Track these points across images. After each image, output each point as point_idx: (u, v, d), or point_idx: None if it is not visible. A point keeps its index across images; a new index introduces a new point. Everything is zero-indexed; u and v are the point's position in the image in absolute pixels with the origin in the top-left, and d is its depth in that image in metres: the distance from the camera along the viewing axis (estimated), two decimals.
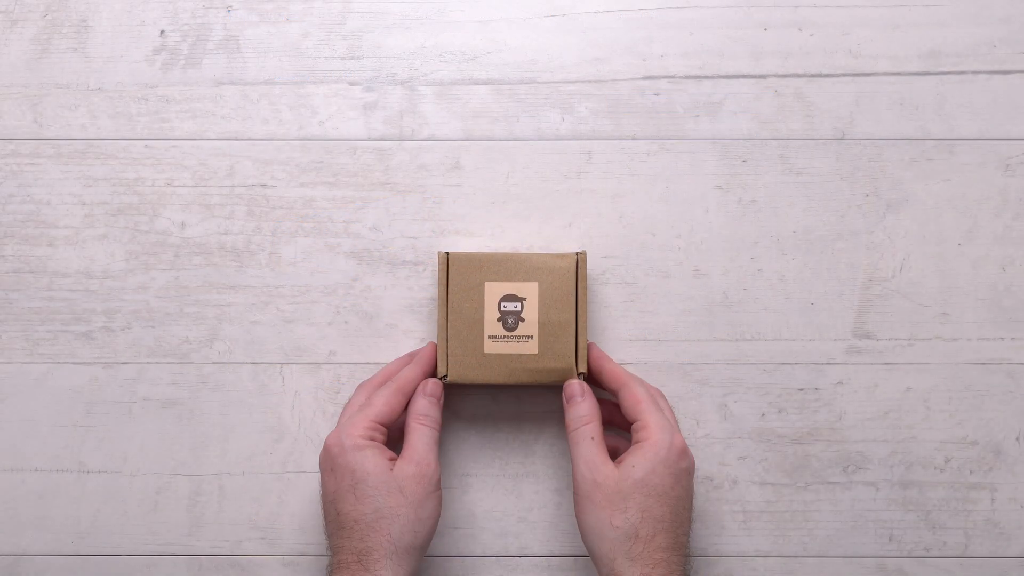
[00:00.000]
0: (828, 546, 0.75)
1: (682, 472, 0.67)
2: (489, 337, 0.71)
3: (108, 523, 0.76)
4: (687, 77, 0.79)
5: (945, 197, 0.78)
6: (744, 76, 0.79)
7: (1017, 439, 0.76)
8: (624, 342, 0.77)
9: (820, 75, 0.79)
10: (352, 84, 0.79)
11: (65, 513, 0.76)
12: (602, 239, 0.77)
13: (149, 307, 0.77)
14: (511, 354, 0.71)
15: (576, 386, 0.71)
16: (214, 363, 0.77)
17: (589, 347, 0.73)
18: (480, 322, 0.72)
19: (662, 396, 0.74)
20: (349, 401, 0.73)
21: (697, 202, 0.78)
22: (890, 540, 0.75)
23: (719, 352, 0.77)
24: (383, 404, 0.69)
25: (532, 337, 0.71)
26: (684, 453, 0.68)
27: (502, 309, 0.72)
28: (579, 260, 0.72)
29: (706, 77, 0.79)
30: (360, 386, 0.73)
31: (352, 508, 0.66)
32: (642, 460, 0.66)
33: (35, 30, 0.79)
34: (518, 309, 0.72)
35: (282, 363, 0.77)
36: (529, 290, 0.72)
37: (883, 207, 0.78)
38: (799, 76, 0.79)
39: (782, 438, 0.76)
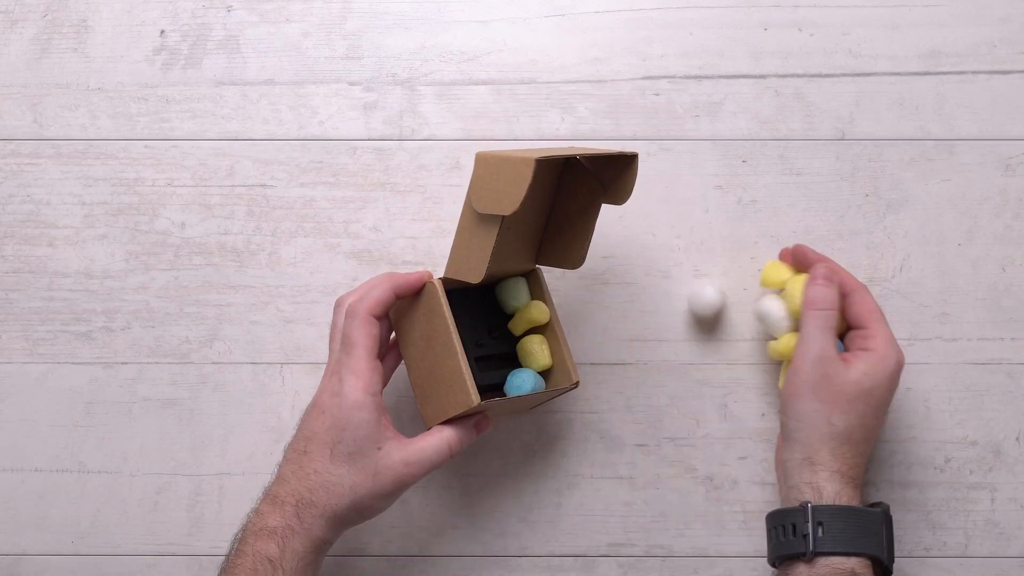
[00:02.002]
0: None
1: (894, 389, 0.69)
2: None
3: (108, 523, 0.76)
4: (687, 77, 0.79)
5: (945, 197, 0.78)
6: (744, 76, 0.79)
7: (1017, 439, 0.76)
8: (624, 342, 0.77)
9: (820, 75, 0.79)
10: (352, 84, 0.79)
11: (65, 513, 0.76)
12: (602, 239, 0.77)
13: (149, 307, 0.77)
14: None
15: (827, 270, 0.70)
16: (214, 363, 0.77)
17: (808, 251, 0.72)
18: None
19: None
20: (333, 323, 0.69)
21: (697, 202, 0.78)
22: None
23: (719, 352, 0.77)
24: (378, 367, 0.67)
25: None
26: (894, 378, 0.69)
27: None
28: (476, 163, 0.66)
29: (706, 77, 0.79)
30: (339, 303, 0.69)
31: (319, 461, 0.65)
32: (872, 370, 0.67)
33: (35, 30, 0.79)
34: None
35: (282, 363, 0.77)
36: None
37: (883, 207, 0.78)
38: (799, 76, 0.79)
39: None
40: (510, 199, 0.63)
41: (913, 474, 0.76)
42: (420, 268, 0.77)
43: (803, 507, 0.65)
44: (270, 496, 0.65)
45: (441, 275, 0.68)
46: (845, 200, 0.78)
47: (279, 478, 0.66)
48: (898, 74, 0.79)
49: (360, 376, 0.65)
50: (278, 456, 0.68)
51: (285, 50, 0.79)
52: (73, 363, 0.77)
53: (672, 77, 0.79)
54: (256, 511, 0.65)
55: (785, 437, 0.69)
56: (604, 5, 0.80)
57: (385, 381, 0.69)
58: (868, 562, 0.65)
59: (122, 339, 0.77)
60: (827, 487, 0.65)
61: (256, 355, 0.77)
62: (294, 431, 0.68)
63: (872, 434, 0.68)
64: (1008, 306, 0.77)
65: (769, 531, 0.69)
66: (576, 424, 0.76)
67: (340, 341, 0.67)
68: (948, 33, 0.79)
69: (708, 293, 0.75)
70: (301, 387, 0.76)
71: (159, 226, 0.78)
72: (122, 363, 0.77)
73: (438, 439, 0.66)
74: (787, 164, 0.78)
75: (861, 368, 0.67)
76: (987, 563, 0.75)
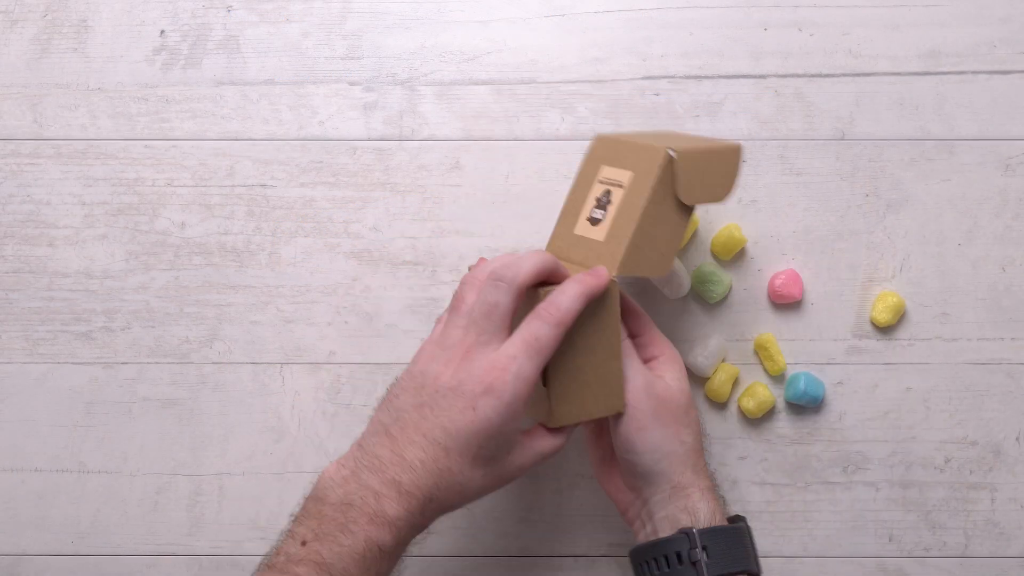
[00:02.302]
0: (828, 546, 0.75)
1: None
2: (586, 219, 0.65)
3: (108, 523, 0.76)
4: (687, 77, 0.79)
5: (945, 197, 0.78)
6: (744, 76, 0.79)
7: (1017, 439, 0.76)
8: (625, 342, 0.76)
9: (820, 75, 0.79)
10: (352, 84, 0.79)
11: (65, 513, 0.76)
12: None
13: (149, 307, 0.77)
14: (585, 237, 0.65)
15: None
16: (214, 363, 0.77)
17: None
18: (582, 202, 0.66)
19: None
20: (486, 300, 0.60)
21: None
22: (890, 540, 0.75)
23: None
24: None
25: (604, 223, 0.65)
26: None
27: (599, 192, 0.66)
28: (668, 160, 0.63)
29: (706, 77, 0.79)
30: (479, 269, 0.62)
31: (459, 461, 0.58)
32: (678, 373, 0.66)
33: (35, 30, 0.79)
34: (608, 194, 0.65)
35: (282, 363, 0.77)
36: (625, 178, 0.65)
37: (883, 207, 0.78)
38: (799, 76, 0.79)
39: (782, 438, 0.76)
40: (723, 188, 0.65)
41: (913, 474, 0.76)
42: (420, 268, 0.77)
43: (685, 533, 0.62)
44: (390, 479, 0.57)
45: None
46: (845, 200, 0.78)
47: (404, 461, 0.58)
48: (898, 74, 0.79)
49: (529, 378, 0.58)
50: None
51: (285, 50, 0.79)
52: (73, 363, 0.77)
53: (672, 77, 0.79)
54: (369, 488, 0.57)
55: (642, 477, 0.64)
56: (604, 5, 0.80)
57: None
58: None
59: (122, 339, 0.77)
60: (702, 508, 0.63)
61: (256, 355, 0.77)
62: (416, 397, 0.59)
63: (701, 435, 0.67)
64: (1008, 306, 0.77)
65: (639, 566, 0.64)
66: None
67: (487, 315, 0.59)
68: (948, 33, 0.79)
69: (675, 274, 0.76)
70: (301, 387, 0.76)
71: (159, 226, 0.78)
72: (122, 363, 0.77)
73: (547, 445, 0.63)
74: (787, 164, 0.78)
75: (671, 375, 0.66)
76: (987, 563, 0.75)
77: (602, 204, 0.65)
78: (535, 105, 0.79)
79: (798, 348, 0.77)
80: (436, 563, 0.75)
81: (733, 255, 0.76)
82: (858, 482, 0.76)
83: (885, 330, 0.77)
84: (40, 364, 0.77)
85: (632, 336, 0.67)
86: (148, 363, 0.77)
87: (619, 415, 0.64)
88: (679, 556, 0.62)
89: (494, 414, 0.58)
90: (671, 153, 0.63)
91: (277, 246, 0.78)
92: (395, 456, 0.58)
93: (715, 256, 0.77)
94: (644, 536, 0.65)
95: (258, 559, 0.59)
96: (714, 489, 0.65)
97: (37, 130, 0.79)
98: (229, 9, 0.80)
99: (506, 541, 0.75)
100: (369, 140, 0.78)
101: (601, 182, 0.66)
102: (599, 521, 0.75)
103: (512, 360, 0.58)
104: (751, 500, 0.75)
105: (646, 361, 0.66)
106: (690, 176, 0.64)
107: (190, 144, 0.79)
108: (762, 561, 0.73)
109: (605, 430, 0.69)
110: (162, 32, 0.80)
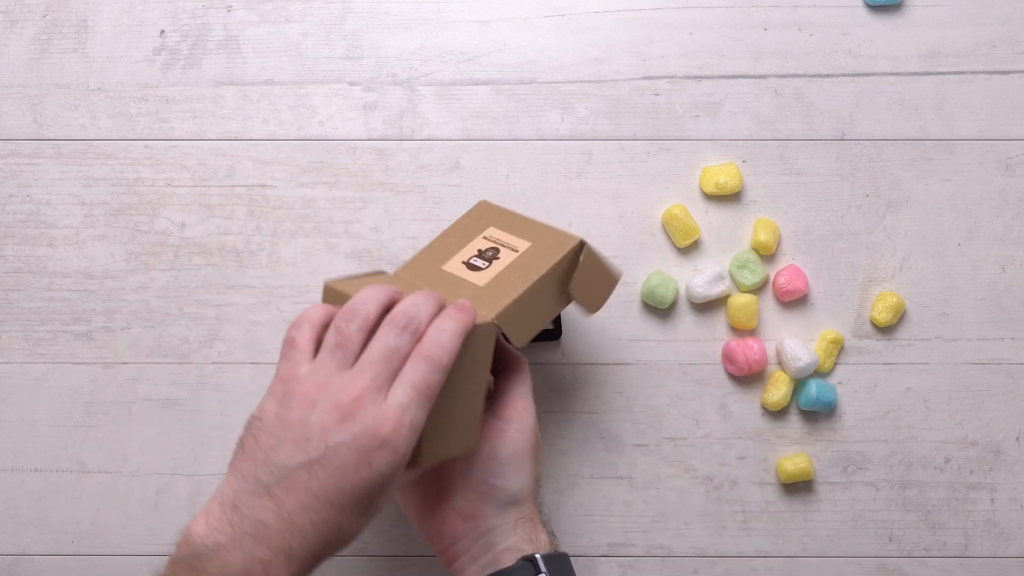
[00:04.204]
0: (828, 546, 0.75)
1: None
2: (462, 262, 0.66)
3: (108, 523, 0.76)
4: (687, 77, 0.79)
5: (945, 197, 0.78)
6: (744, 76, 0.79)
7: (1017, 439, 0.76)
8: (625, 342, 0.77)
9: (820, 75, 0.79)
10: (352, 84, 0.79)
11: (65, 513, 0.76)
12: (602, 239, 0.77)
13: (149, 307, 0.77)
14: (459, 277, 0.64)
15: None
16: (214, 363, 0.77)
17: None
18: (458, 247, 0.67)
19: None
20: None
21: (697, 202, 0.78)
22: (890, 540, 0.75)
23: (719, 352, 0.77)
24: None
25: (486, 273, 0.64)
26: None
27: (483, 246, 0.67)
28: (577, 248, 0.65)
29: (706, 77, 0.79)
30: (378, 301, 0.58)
31: (347, 522, 0.54)
32: (529, 415, 0.65)
33: (35, 30, 0.79)
34: (496, 251, 0.66)
35: None
36: (520, 245, 0.66)
37: (883, 207, 0.78)
38: (799, 76, 0.79)
39: (782, 438, 0.76)
40: (597, 301, 0.68)
41: (913, 474, 0.76)
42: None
43: (530, 560, 0.60)
44: (279, 545, 0.54)
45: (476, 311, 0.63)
46: (845, 200, 0.78)
47: (292, 525, 0.54)
48: (898, 74, 0.79)
49: (418, 432, 0.56)
50: (271, 412, 0.67)
51: (285, 50, 0.79)
52: (73, 363, 0.77)
53: (672, 77, 0.79)
54: (257, 558, 0.53)
55: (498, 504, 0.62)
56: (604, 5, 0.80)
57: None
58: None
59: (122, 339, 0.77)
60: (541, 537, 0.62)
61: (256, 355, 0.77)
62: (297, 446, 0.55)
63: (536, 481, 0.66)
64: (1008, 306, 0.77)
65: None
66: (576, 424, 0.76)
67: (387, 362, 0.56)
68: (948, 33, 0.79)
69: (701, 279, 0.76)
70: None
71: (159, 226, 0.78)
72: (122, 363, 0.77)
73: (404, 481, 0.65)
74: (787, 164, 0.78)
75: (525, 416, 0.64)
76: (987, 563, 0.75)
77: (486, 257, 0.66)
78: (535, 105, 0.79)
79: None
80: (436, 563, 0.75)
81: (766, 251, 0.76)
82: (858, 482, 0.76)
83: (885, 330, 0.77)
84: (40, 364, 0.77)
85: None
86: (148, 363, 0.77)
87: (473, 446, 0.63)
88: None
89: (388, 468, 0.54)
90: (585, 242, 0.65)
91: (277, 246, 0.78)
92: (282, 522, 0.53)
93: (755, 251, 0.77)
94: (478, 569, 0.62)
95: None
96: (547, 524, 0.65)
97: (37, 130, 0.79)
98: (229, 9, 0.80)
99: None
100: (369, 140, 0.78)
101: (487, 238, 0.67)
102: (599, 521, 0.75)
103: (406, 411, 0.55)
104: (751, 500, 0.76)
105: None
106: (585, 273, 0.66)
107: (190, 144, 0.78)
108: (762, 561, 0.73)
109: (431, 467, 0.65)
110: (162, 32, 0.80)
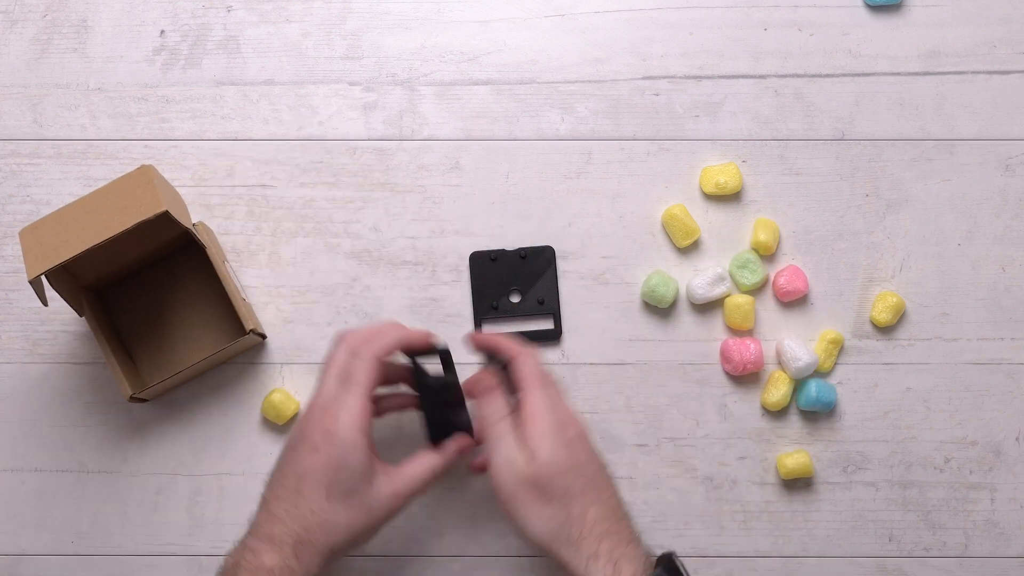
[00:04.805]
0: (828, 546, 0.75)
1: (573, 440, 0.65)
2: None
3: (108, 523, 0.75)
4: (687, 77, 0.79)
5: (945, 197, 0.78)
6: (744, 76, 0.79)
7: (1017, 439, 0.76)
8: (624, 342, 0.77)
9: (820, 75, 0.79)
10: (352, 84, 0.79)
11: (65, 513, 0.76)
12: (602, 239, 0.77)
13: None
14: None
15: (489, 377, 0.68)
16: None
17: (475, 335, 0.72)
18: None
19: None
20: (332, 358, 0.67)
21: (697, 202, 0.78)
22: (890, 540, 0.75)
23: (719, 352, 0.76)
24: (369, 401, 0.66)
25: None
26: (566, 422, 0.65)
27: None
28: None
29: (706, 77, 0.79)
30: (343, 339, 0.67)
31: (315, 500, 0.63)
32: (537, 442, 0.63)
33: (35, 30, 0.79)
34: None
35: (282, 363, 0.77)
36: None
37: (883, 207, 0.78)
38: (799, 76, 0.79)
39: (782, 438, 0.76)
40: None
41: (913, 474, 0.76)
42: (420, 268, 0.77)
43: None
44: (264, 534, 0.63)
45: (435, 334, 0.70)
46: (845, 200, 0.78)
47: (273, 517, 0.63)
48: (898, 74, 0.79)
49: (357, 416, 0.64)
50: (277, 456, 0.68)
51: (285, 50, 0.79)
52: (73, 363, 0.77)
53: (672, 77, 0.79)
54: (249, 548, 0.63)
55: (547, 551, 0.63)
56: (604, 5, 0.80)
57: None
58: None
59: None
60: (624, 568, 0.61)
61: (256, 355, 0.77)
62: (278, 464, 0.66)
63: (587, 497, 0.63)
64: (1008, 306, 0.77)
65: None
66: None
67: (339, 378, 0.65)
68: (948, 33, 0.79)
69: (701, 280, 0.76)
70: (301, 387, 0.76)
71: None
72: None
73: (423, 467, 0.66)
74: (787, 164, 0.78)
75: (529, 445, 0.64)
76: (987, 563, 0.75)
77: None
78: (535, 105, 0.79)
79: None
80: (436, 563, 0.75)
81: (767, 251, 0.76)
82: (858, 482, 0.76)
83: (885, 330, 0.77)
84: (40, 364, 0.77)
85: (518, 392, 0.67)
86: None
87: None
88: None
89: (333, 449, 0.63)
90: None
91: (277, 246, 0.78)
92: (267, 515, 0.64)
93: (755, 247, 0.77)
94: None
95: None
96: (618, 548, 0.62)
97: (37, 130, 0.79)
98: (229, 9, 0.80)
99: (506, 541, 0.75)
100: (369, 140, 0.78)
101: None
102: None
103: (335, 400, 0.65)
104: (751, 500, 0.75)
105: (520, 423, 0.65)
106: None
107: (190, 144, 0.78)
108: (762, 561, 0.73)
109: None
110: (162, 32, 0.80)
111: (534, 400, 0.65)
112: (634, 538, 0.63)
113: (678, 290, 0.76)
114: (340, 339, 0.67)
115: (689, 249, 0.77)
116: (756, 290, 0.76)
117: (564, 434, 0.64)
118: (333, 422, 0.64)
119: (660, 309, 0.77)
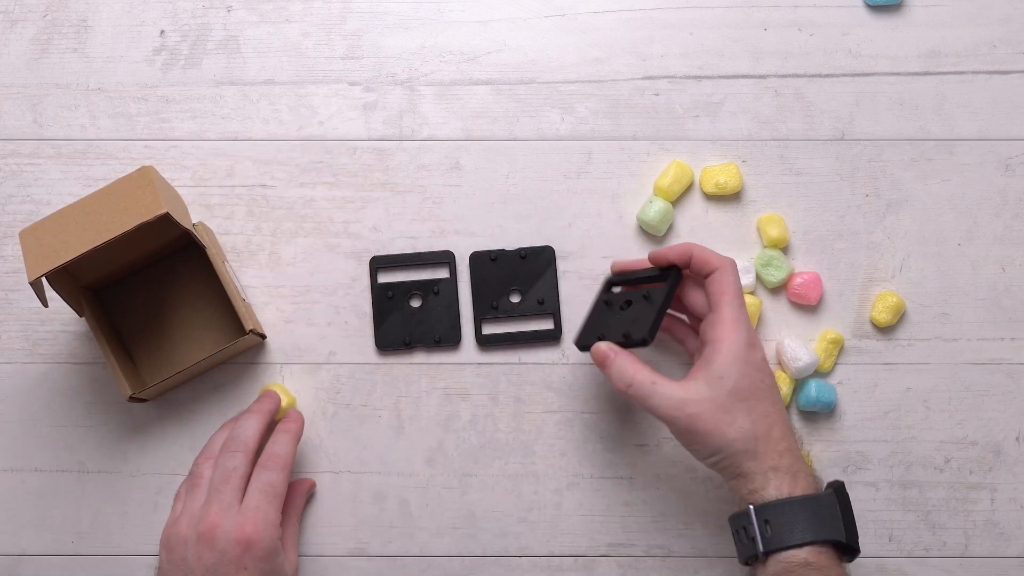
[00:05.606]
0: None
1: (763, 361, 0.66)
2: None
3: (108, 523, 0.75)
4: (687, 77, 0.79)
5: (945, 197, 0.78)
6: (744, 76, 0.79)
7: (1017, 439, 0.76)
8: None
9: (820, 75, 0.79)
10: (352, 84, 0.79)
11: (65, 513, 0.76)
12: (602, 239, 0.77)
13: None
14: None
15: (605, 348, 0.68)
16: None
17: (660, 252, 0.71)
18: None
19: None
20: (225, 464, 0.68)
21: (697, 202, 0.78)
22: (890, 540, 0.75)
23: None
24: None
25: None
26: (754, 343, 0.66)
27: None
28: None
29: (706, 77, 0.79)
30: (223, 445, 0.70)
31: None
32: (725, 366, 0.65)
33: (35, 30, 0.79)
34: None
35: (282, 363, 0.77)
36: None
37: (883, 207, 0.78)
38: (799, 76, 0.79)
39: None
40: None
41: (913, 474, 0.76)
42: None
43: (747, 510, 0.64)
44: None
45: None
46: (845, 200, 0.78)
47: None
48: (898, 74, 0.79)
49: (278, 529, 0.67)
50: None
51: (285, 50, 0.79)
52: (73, 363, 0.77)
53: (672, 77, 0.79)
54: None
55: (719, 469, 0.67)
56: (604, 5, 0.80)
57: None
58: (822, 548, 0.63)
59: None
60: (769, 487, 0.64)
61: (256, 355, 0.77)
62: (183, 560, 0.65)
63: (771, 417, 0.65)
64: (1008, 306, 0.77)
65: (733, 534, 0.67)
66: (576, 424, 0.76)
67: (264, 491, 0.66)
68: (948, 33, 0.79)
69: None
70: (301, 387, 0.76)
71: None
72: None
73: (295, 533, 0.73)
74: (787, 164, 0.78)
75: (716, 371, 0.65)
76: (987, 563, 0.75)
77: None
78: (535, 105, 0.79)
79: None
80: (436, 563, 0.75)
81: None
82: (858, 482, 0.76)
83: (885, 330, 0.77)
84: (40, 364, 0.77)
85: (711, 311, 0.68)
86: None
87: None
88: (746, 530, 0.65)
89: (262, 563, 0.65)
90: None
91: (277, 246, 0.78)
92: None
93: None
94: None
95: None
96: (789, 468, 0.65)
97: (37, 130, 0.79)
98: (229, 9, 0.80)
99: (506, 541, 0.75)
100: (369, 140, 0.78)
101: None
102: (599, 521, 0.75)
103: (257, 511, 0.65)
104: None
105: (709, 341, 0.66)
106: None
107: (190, 144, 0.79)
108: None
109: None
110: (162, 32, 0.80)
111: (733, 316, 0.66)
112: (805, 460, 0.67)
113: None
114: (230, 449, 0.68)
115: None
116: (783, 286, 0.76)
117: (755, 354, 0.66)
118: (256, 531, 0.65)
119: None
